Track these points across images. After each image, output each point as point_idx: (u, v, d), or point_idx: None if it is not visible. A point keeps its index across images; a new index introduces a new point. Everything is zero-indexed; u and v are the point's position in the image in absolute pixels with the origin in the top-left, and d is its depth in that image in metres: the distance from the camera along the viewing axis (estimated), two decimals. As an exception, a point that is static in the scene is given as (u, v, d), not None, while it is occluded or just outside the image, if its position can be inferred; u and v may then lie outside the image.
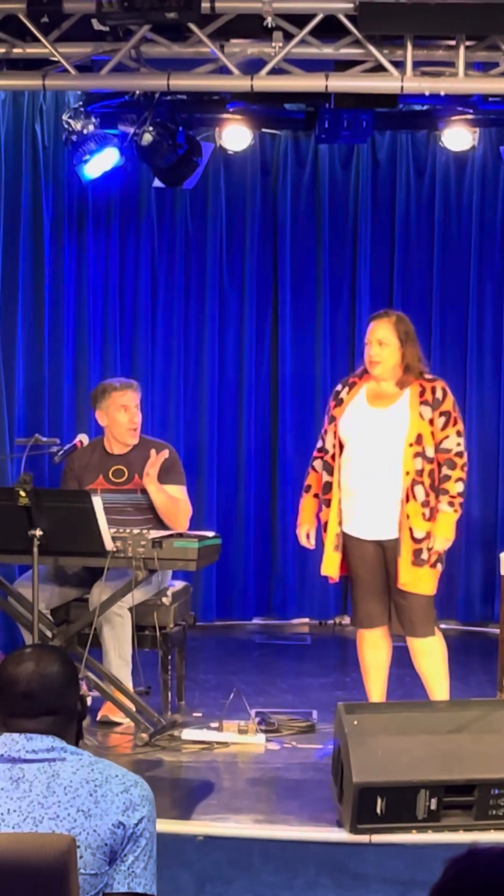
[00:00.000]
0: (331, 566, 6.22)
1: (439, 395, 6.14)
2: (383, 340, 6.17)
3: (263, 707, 6.70)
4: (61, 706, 2.99)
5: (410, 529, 6.03)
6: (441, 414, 6.11)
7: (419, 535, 6.04)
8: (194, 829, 5.12)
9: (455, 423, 6.14)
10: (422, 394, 6.13)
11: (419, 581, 6.08)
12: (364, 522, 6.14)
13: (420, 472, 6.05)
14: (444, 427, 6.11)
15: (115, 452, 6.87)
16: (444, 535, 6.06)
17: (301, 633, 9.06)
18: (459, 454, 6.12)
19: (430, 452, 6.08)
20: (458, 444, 6.12)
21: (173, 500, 6.73)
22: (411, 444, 6.06)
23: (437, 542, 6.05)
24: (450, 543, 6.11)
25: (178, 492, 6.82)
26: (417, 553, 6.04)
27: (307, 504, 6.36)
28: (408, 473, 6.05)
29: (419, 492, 6.05)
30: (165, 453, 6.70)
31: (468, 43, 6.70)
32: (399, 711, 5.37)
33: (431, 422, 6.10)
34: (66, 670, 3.03)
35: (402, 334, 6.17)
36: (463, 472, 6.12)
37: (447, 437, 6.11)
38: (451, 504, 6.07)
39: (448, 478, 6.08)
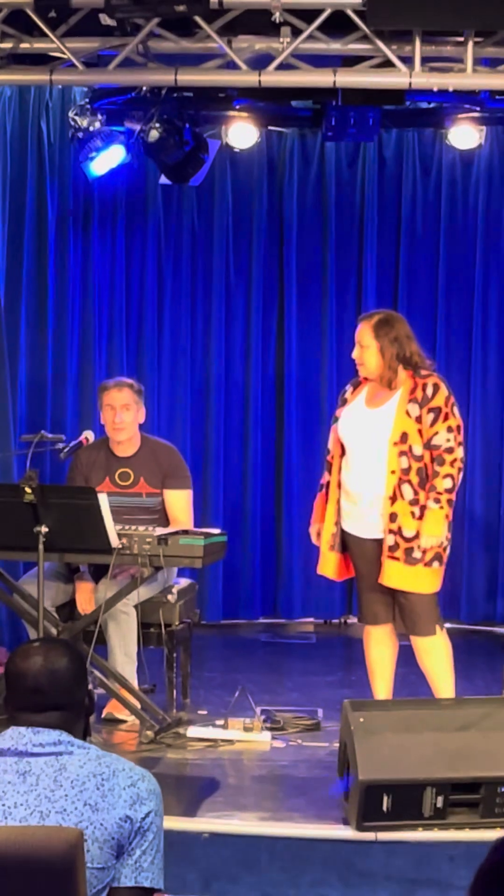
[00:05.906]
0: (327, 566, 6.22)
1: (429, 391, 6.09)
2: (362, 343, 6.19)
3: (269, 705, 6.68)
4: (69, 701, 2.96)
5: (400, 528, 6.00)
6: (430, 410, 6.06)
7: (409, 533, 6.00)
8: (200, 826, 5.11)
9: (446, 419, 6.06)
10: (412, 391, 6.09)
11: (417, 580, 6.04)
12: (362, 521, 6.12)
13: (406, 471, 6.01)
14: (433, 423, 6.05)
15: (119, 454, 6.84)
16: (429, 531, 6.00)
17: (306, 632, 9.04)
18: (449, 450, 6.04)
19: (418, 450, 6.03)
20: (448, 441, 6.04)
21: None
22: (395, 443, 6.02)
23: (423, 539, 5.99)
24: (438, 540, 6.00)
25: (184, 497, 6.80)
26: (409, 552, 6.00)
27: (320, 503, 6.35)
28: (393, 472, 6.01)
29: (407, 490, 6.01)
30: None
31: (477, 39, 6.68)
32: (405, 709, 5.35)
33: (419, 419, 6.04)
34: (75, 665, 3.00)
35: (383, 336, 6.14)
36: (453, 468, 6.03)
37: (436, 433, 6.05)
38: (437, 501, 6.00)
39: (436, 474, 6.03)
